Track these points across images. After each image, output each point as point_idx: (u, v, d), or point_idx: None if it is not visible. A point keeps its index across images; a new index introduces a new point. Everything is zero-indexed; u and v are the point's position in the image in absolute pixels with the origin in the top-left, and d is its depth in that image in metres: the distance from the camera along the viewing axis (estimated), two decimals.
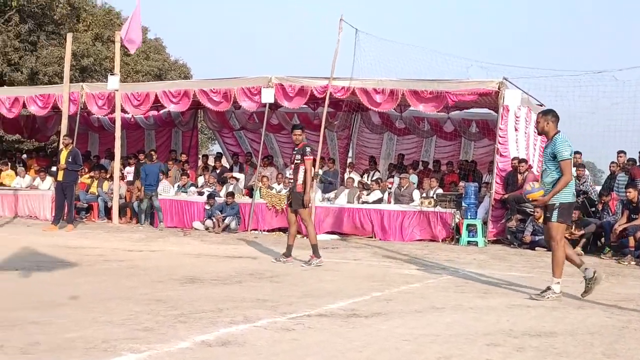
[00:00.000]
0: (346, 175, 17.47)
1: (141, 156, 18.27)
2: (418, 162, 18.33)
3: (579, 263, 7.55)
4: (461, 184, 14.92)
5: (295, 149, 10.20)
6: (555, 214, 7.38)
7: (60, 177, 14.57)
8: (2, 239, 12.58)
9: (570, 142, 7.43)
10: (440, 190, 14.95)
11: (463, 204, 13.80)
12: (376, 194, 15.35)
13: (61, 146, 15.18)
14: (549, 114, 7.58)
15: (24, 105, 18.51)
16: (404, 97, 14.45)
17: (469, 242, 13.54)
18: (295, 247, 10.27)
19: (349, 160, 19.94)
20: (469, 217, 13.66)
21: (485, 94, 14.19)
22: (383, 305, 6.77)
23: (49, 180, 17.26)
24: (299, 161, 10.04)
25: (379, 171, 17.99)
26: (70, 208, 14.74)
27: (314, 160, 16.12)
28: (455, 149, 19.46)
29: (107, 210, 16.76)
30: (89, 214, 17.09)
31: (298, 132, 10.18)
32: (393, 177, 16.93)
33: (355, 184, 16.01)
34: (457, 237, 13.74)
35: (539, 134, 7.94)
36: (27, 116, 22.03)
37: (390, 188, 15.98)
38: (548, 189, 7.40)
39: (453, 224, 13.88)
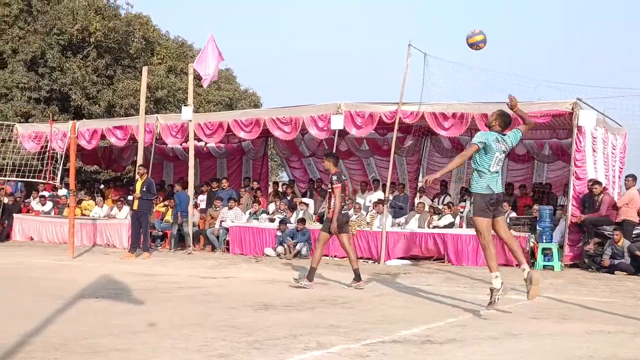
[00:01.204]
0: (417, 200, 17.36)
1: (214, 184, 18.66)
2: None
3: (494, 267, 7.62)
4: (535, 207, 14.60)
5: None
6: (472, 208, 7.70)
7: (135, 207, 14.98)
8: (82, 268, 12.98)
9: (493, 142, 7.56)
10: (513, 214, 14.68)
11: (538, 228, 13.51)
12: (448, 219, 15.19)
13: (137, 176, 15.62)
14: (502, 116, 7.82)
15: (102, 137, 19.17)
16: (474, 121, 14.30)
17: (544, 267, 13.23)
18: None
19: (420, 184, 19.81)
20: (544, 240, 13.35)
21: (559, 115, 13.91)
22: (458, 332, 6.67)
23: (126, 209, 17.74)
24: (330, 189, 10.22)
25: (450, 195, 17.81)
26: (145, 236, 15.11)
27: (384, 185, 16.21)
28: (527, 172, 19.11)
29: (181, 238, 17.08)
30: (163, 242, 17.46)
31: (325, 161, 10.46)
32: (465, 201, 16.72)
33: (426, 209, 15.88)
34: (532, 261, 13.43)
35: (486, 125, 8.07)
36: (104, 147, 22.79)
37: (462, 212, 15.78)
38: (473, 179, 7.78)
39: (528, 248, 13.58)
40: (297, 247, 14.97)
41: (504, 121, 7.79)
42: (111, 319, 7.27)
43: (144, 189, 14.86)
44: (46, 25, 26.96)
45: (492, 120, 7.84)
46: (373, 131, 16.79)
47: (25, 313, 7.55)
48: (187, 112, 16.83)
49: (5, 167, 18.35)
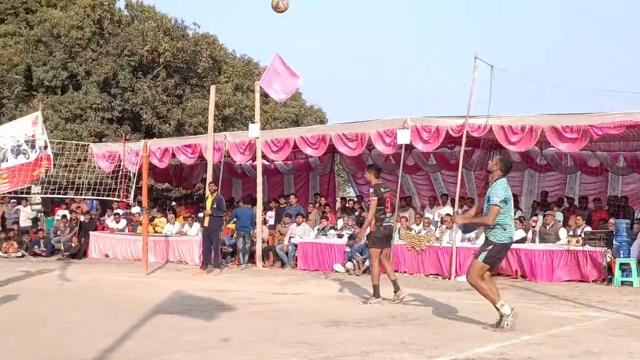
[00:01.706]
0: None
1: (282, 200, 18.80)
2: (563, 199, 17.63)
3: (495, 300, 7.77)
4: (611, 220, 14.17)
5: None
6: (487, 253, 7.78)
7: (206, 223, 15.22)
8: (155, 284, 13.24)
9: (507, 191, 7.78)
10: (588, 228, 14.28)
11: (614, 242, 13.09)
12: (519, 233, 14.85)
13: (207, 193, 15.86)
14: (502, 162, 8.06)
15: (173, 155, 19.56)
16: (543, 135, 14.00)
17: (622, 283, 12.79)
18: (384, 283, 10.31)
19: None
20: (621, 255, 12.92)
21: (633, 127, 13.50)
22: (534, 350, 6.51)
23: (197, 226, 18.03)
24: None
25: (521, 210, 17.44)
26: (216, 253, 15.30)
27: (452, 200, 16.01)
28: (602, 185, 18.60)
29: (251, 254, 17.22)
30: (234, 258, 17.63)
31: (366, 172, 10.75)
32: (537, 215, 16.36)
33: None
34: (609, 277, 13.02)
35: (487, 171, 8.32)
36: (175, 165, 23.23)
37: (534, 227, 15.44)
38: (488, 231, 7.84)
39: (604, 264, 13.17)
40: (367, 262, 14.90)
41: (505, 166, 8.00)
42: (184, 334, 7.38)
43: (215, 206, 15.09)
44: (117, 47, 27.78)
45: (493, 165, 8.04)
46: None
47: (102, 329, 7.75)
48: (254, 130, 17.02)
49: (81, 186, 18.90)
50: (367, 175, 10.67)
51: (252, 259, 17.09)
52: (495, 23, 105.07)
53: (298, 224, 16.92)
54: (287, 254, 16.65)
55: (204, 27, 49.69)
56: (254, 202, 17.99)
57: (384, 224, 10.21)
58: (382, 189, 10.32)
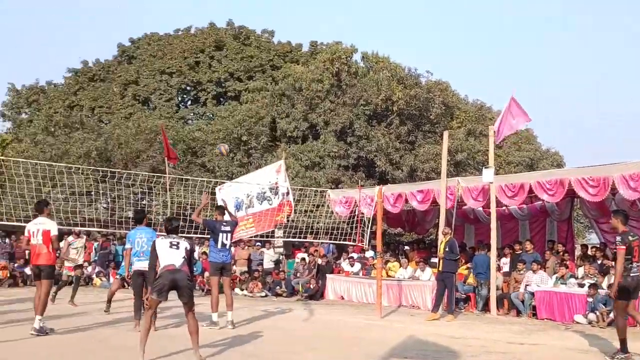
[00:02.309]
0: None
1: (517, 247, 18.25)
2: None
3: None
4: None
5: None
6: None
7: (440, 267, 15.21)
8: (389, 328, 13.42)
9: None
10: None
11: None
12: None
13: (440, 237, 15.87)
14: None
15: (406, 201, 19.84)
16: None
17: None
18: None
19: None
20: None
21: None
22: None
23: (429, 271, 18.05)
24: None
25: None
26: (450, 298, 15.19)
27: None
28: None
29: (485, 301, 16.85)
30: (467, 305, 17.36)
31: (613, 218, 10.18)
32: None
33: None
34: None
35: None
36: (407, 211, 23.53)
37: None
38: None
39: None
40: (611, 314, 13.90)
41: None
42: None
43: (447, 249, 15.06)
44: (354, 97, 29.02)
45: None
46: None
47: None
48: (488, 174, 16.75)
49: (319, 230, 19.83)
50: (614, 222, 10.11)
51: (485, 306, 16.70)
52: None
53: (534, 272, 16.26)
54: (522, 302, 16.05)
55: (437, 74, 50.37)
56: (487, 248, 17.64)
57: (631, 274, 9.59)
58: (630, 237, 9.70)
